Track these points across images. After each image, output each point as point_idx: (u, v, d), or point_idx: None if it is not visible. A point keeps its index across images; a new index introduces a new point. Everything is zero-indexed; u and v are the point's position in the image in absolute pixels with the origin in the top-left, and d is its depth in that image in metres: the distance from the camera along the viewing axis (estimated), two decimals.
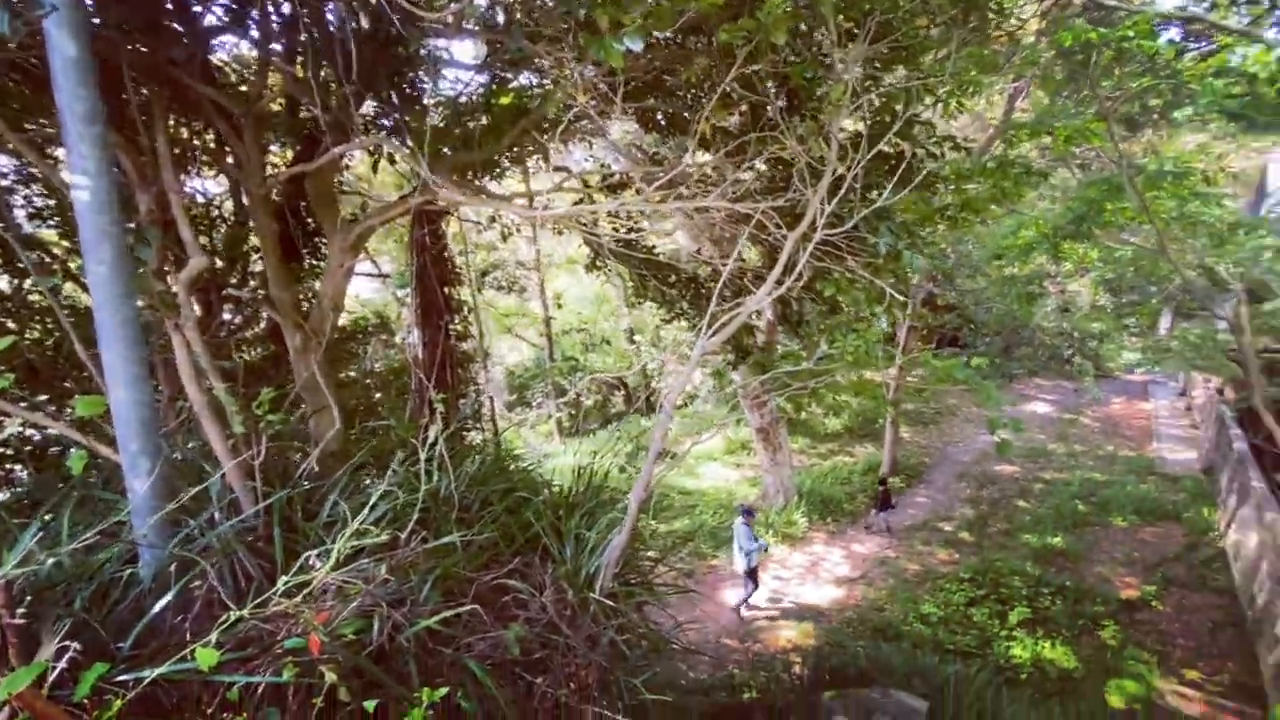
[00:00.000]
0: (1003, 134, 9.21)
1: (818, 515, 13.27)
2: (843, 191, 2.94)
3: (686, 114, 4.07)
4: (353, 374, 6.53)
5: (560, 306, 22.35)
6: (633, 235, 4.95)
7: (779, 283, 3.06)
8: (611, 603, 3.25)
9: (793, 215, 3.24)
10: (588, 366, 23.91)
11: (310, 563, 2.09)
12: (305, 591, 1.99)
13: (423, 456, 3.04)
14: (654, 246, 5.34)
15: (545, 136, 4.36)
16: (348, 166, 5.30)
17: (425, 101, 3.96)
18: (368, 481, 3.38)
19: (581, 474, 4.56)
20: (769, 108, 3.05)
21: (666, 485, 15.14)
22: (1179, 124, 11.83)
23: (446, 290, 4.88)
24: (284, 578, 1.89)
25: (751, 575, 9.88)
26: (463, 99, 4.51)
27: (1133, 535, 12.16)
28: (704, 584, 11.15)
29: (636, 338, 21.30)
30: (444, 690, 1.98)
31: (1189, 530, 12.11)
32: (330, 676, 1.91)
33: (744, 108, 3.78)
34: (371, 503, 2.73)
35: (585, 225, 4.74)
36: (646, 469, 3.45)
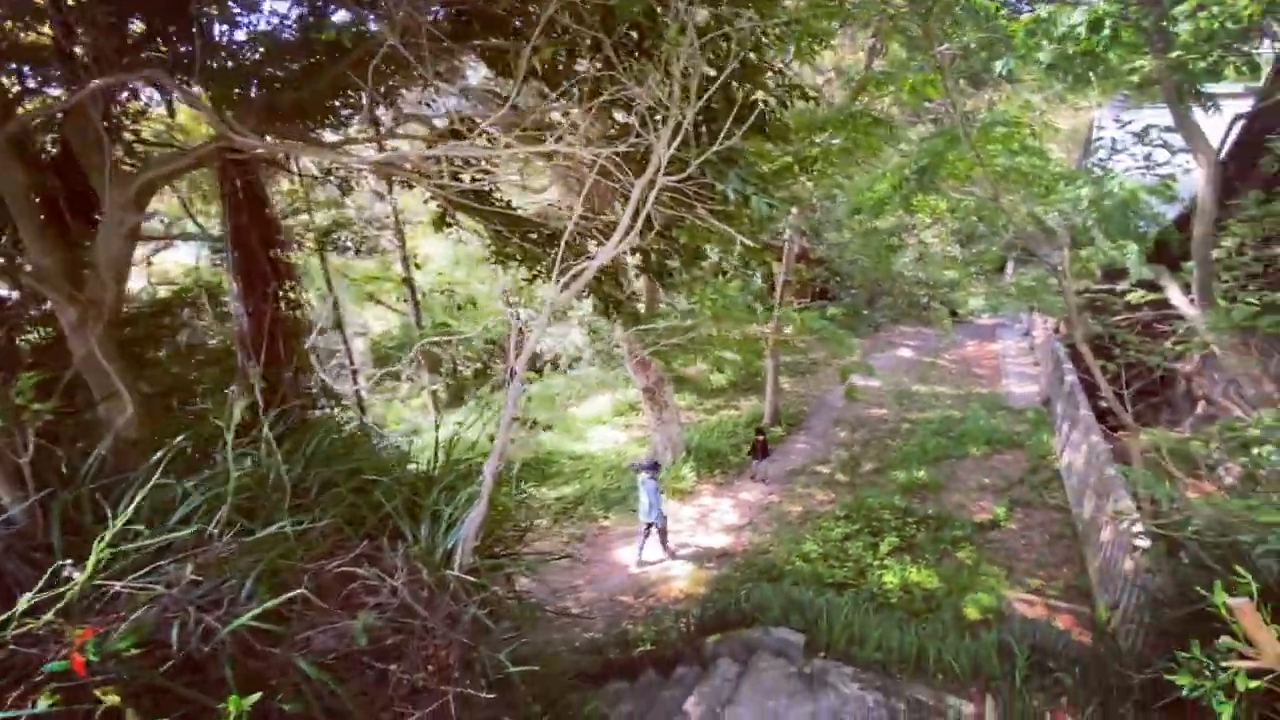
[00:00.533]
0: (861, 89, 9.65)
1: (705, 469, 13.73)
2: (681, 135, 2.87)
3: (535, 61, 3.83)
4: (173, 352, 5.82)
5: (419, 268, 21.31)
6: (484, 187, 4.66)
7: (628, 231, 2.97)
8: (473, 578, 3.11)
9: (642, 162, 3.14)
10: (460, 332, 23.11)
11: (66, 572, 1.78)
12: (60, 605, 1.69)
13: (230, 440, 2.71)
14: (510, 201, 5.08)
15: (379, 80, 3.96)
16: (143, 112, 4.57)
17: (222, 35, 3.45)
18: (176, 475, 2.98)
19: (443, 447, 4.32)
20: (607, 47, 2.90)
21: (556, 450, 15.07)
22: (1018, 82, 12.94)
23: (272, 253, 4.37)
24: (27, 595, 1.59)
25: (650, 529, 10.29)
26: (279, 34, 4.00)
27: (985, 464, 13.56)
28: (596, 545, 11.28)
29: (513, 299, 20.77)
30: (255, 696, 1.77)
31: (1031, 456, 13.68)
32: (110, 699, 1.65)
33: (590, 50, 3.61)
34: (181, 496, 2.41)
35: (431, 177, 4.40)
36: (500, 439, 3.30)
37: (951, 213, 8.74)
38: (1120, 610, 8.03)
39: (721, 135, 2.85)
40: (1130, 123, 7.52)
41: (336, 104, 4.43)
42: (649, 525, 10.26)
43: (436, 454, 4.44)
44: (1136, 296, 8.00)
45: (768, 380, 15.80)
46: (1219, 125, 9.13)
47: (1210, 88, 6.42)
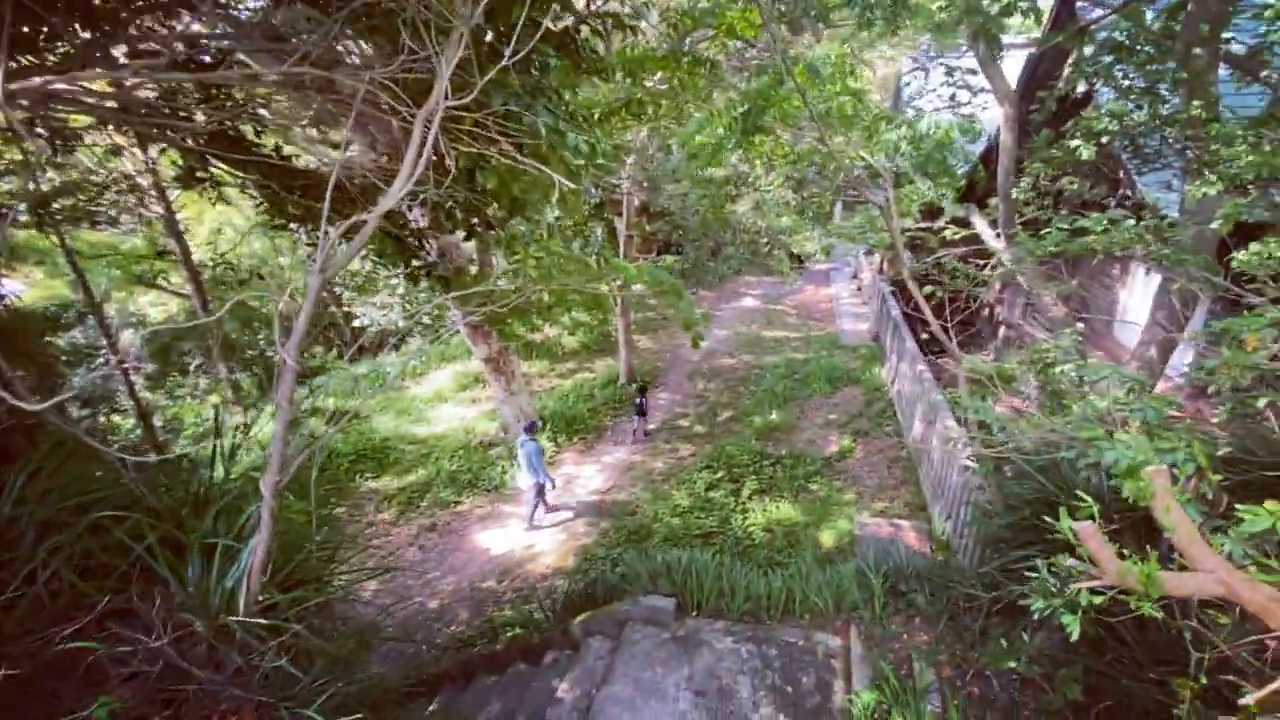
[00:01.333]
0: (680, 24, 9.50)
1: (565, 436, 13.47)
2: (469, 54, 2.43)
3: None
4: None
5: (208, 243, 18.76)
6: (243, 132, 3.84)
7: (413, 172, 2.48)
8: (265, 620, 2.56)
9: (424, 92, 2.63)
10: (263, 313, 20.75)
11: None
12: None
13: None
14: (282, 150, 4.26)
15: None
16: None
17: None
18: None
19: (224, 458, 3.59)
20: None
21: (394, 436, 14.03)
22: (834, 27, 13.53)
23: None
24: None
25: (539, 490, 10.27)
26: None
27: (829, 401, 14.56)
28: (452, 532, 10.67)
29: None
30: None
31: (867, 389, 14.88)
32: None
33: None
34: None
35: (174, 121, 3.51)
36: (276, 445, 2.72)
37: (784, 158, 8.94)
38: (952, 521, 8.99)
39: (517, 54, 2.41)
40: (938, 62, 8.03)
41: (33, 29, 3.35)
42: (540, 486, 10.23)
43: (214, 468, 3.68)
44: (951, 233, 8.70)
45: (620, 339, 15.73)
46: (1017, 69, 10.00)
47: (1007, 39, 6.98)
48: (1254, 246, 3.90)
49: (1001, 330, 16.66)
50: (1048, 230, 6.40)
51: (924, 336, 12.92)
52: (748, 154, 7.69)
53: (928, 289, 7.35)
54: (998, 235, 8.30)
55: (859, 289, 23.84)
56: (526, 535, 10.34)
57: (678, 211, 16.66)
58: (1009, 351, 15.71)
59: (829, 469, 11.54)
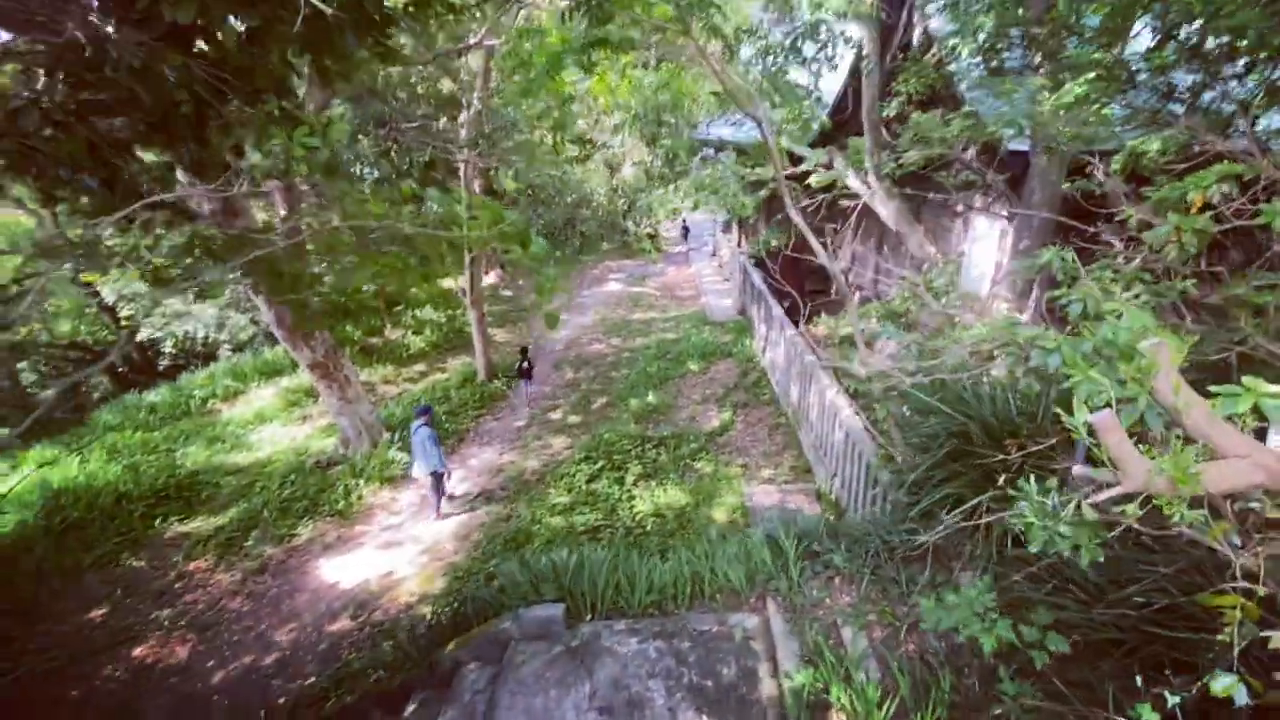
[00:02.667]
0: None
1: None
2: None
3: None
4: None
5: None
6: None
7: None
8: None
9: None
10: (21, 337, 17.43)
11: None
12: None
13: None
14: None
15: None
16: None
17: None
18: None
19: None
20: None
21: (206, 468, 12.09)
22: None
23: None
24: None
25: (437, 478, 9.90)
26: None
27: (704, 377, 14.44)
28: (288, 570, 9.23)
29: (110, 289, 16.08)
30: None
31: (740, 362, 14.95)
32: None
33: None
34: None
35: None
36: None
37: (635, 100, 8.48)
38: (839, 478, 9.03)
39: None
40: None
41: None
42: (438, 475, 9.88)
43: None
44: (817, 180, 8.65)
45: (475, 334, 14.67)
46: None
47: None
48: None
49: (856, 295, 17.52)
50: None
51: (785, 305, 13.21)
52: (592, 92, 7.08)
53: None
54: (863, 180, 8.35)
55: (720, 266, 24.26)
56: (382, 561, 9.15)
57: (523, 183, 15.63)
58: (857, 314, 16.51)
59: (712, 444, 11.33)
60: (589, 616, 4.42)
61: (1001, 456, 3.26)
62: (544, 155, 14.05)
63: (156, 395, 15.48)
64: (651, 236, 24.19)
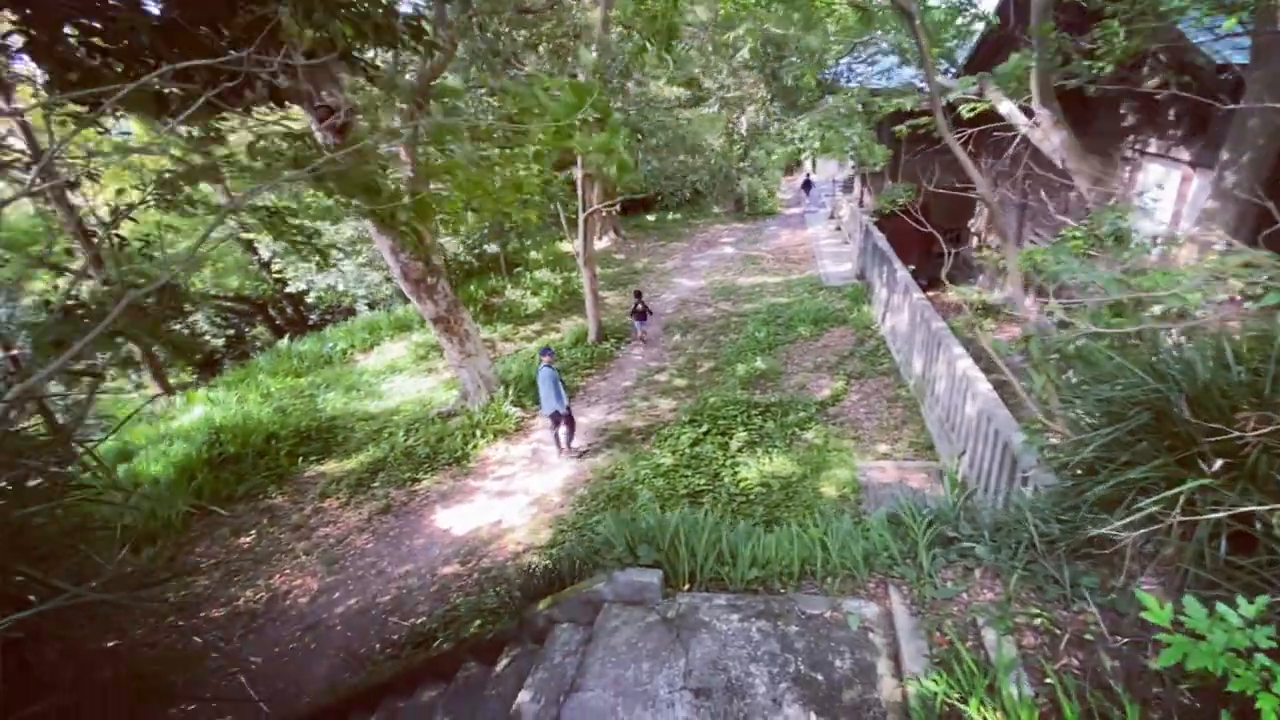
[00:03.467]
0: None
1: (532, 400, 12.28)
2: None
3: None
4: None
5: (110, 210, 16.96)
6: None
7: None
8: None
9: None
10: (195, 289, 19.08)
11: None
12: None
13: None
14: None
15: None
16: None
17: None
18: None
19: None
20: None
21: (342, 415, 12.73)
22: None
23: None
24: None
25: (557, 419, 10.03)
26: None
27: (816, 344, 13.55)
28: (409, 513, 9.50)
29: (265, 247, 17.20)
30: None
31: (856, 329, 13.90)
32: None
33: None
34: None
35: None
36: None
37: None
38: (967, 456, 8.06)
39: None
40: None
41: None
42: (557, 415, 9.98)
43: None
44: (968, 110, 7.52)
45: (587, 295, 14.50)
46: None
47: None
48: None
49: (1014, 243, 15.80)
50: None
51: (910, 268, 11.99)
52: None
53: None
54: (1023, 109, 7.11)
55: (838, 228, 22.80)
56: (493, 510, 9.22)
57: (655, 162, 14.89)
58: (1002, 280, 14.81)
59: (823, 414, 10.56)
60: (687, 586, 4.00)
61: (1219, 436, 2.47)
62: (659, 104, 13.26)
63: (305, 345, 16.56)
64: (768, 196, 23.05)
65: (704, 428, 10.32)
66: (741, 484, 8.74)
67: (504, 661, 4.09)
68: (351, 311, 19.26)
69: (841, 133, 11.48)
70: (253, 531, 9.53)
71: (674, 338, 15.09)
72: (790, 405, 10.72)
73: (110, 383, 19.52)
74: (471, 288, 18.62)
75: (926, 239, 16.78)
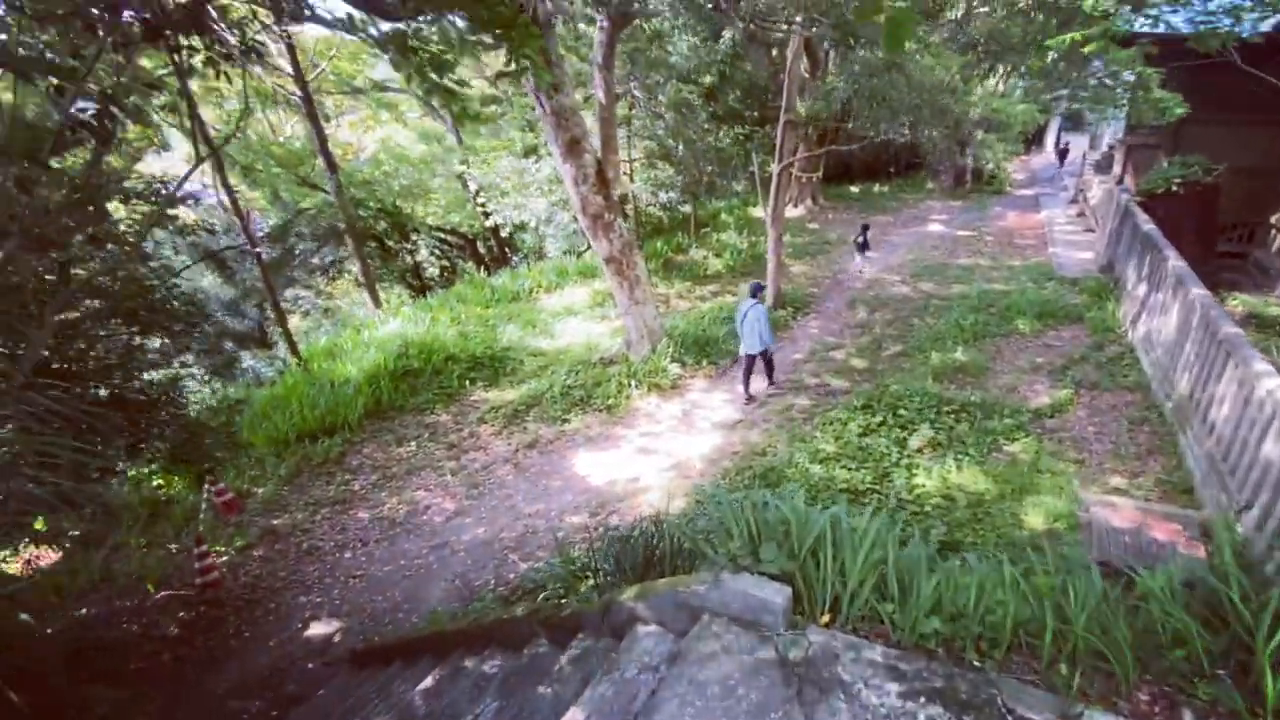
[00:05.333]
0: None
1: (693, 359, 11.23)
2: None
3: None
4: None
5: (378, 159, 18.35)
6: None
7: None
8: None
9: None
10: (418, 218, 20.26)
11: None
12: None
13: None
14: None
15: None
16: None
17: None
18: None
19: None
20: None
21: (515, 346, 12.63)
22: None
23: None
24: None
25: (767, 358, 9.71)
26: None
27: (1037, 341, 10.90)
28: (551, 453, 8.98)
29: (472, 180, 17.74)
30: None
31: (1094, 330, 10.97)
32: None
33: None
34: None
35: None
36: None
37: None
38: (1258, 512, 5.63)
39: None
40: None
41: None
42: (751, 357, 9.48)
43: None
44: None
45: (770, 254, 13.01)
46: None
47: None
48: None
49: None
50: None
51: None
52: None
53: None
54: None
55: (1080, 214, 18.69)
56: (632, 466, 8.37)
57: (885, 129, 11.99)
58: None
59: (1036, 425, 8.26)
60: (826, 619, 2.70)
61: None
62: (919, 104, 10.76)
63: (499, 279, 16.94)
64: (999, 170, 19.57)
65: (879, 417, 8.57)
66: (916, 491, 6.98)
67: (573, 651, 3.11)
68: (540, 254, 19.54)
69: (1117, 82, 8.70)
70: (413, 443, 9.62)
71: (859, 314, 13.11)
72: (993, 408, 8.55)
73: (343, 297, 21.76)
74: (657, 244, 17.88)
75: (1207, 231, 12.92)
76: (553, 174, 15.73)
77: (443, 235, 22.17)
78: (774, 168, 11.21)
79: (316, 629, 6.08)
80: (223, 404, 9.66)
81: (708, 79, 15.90)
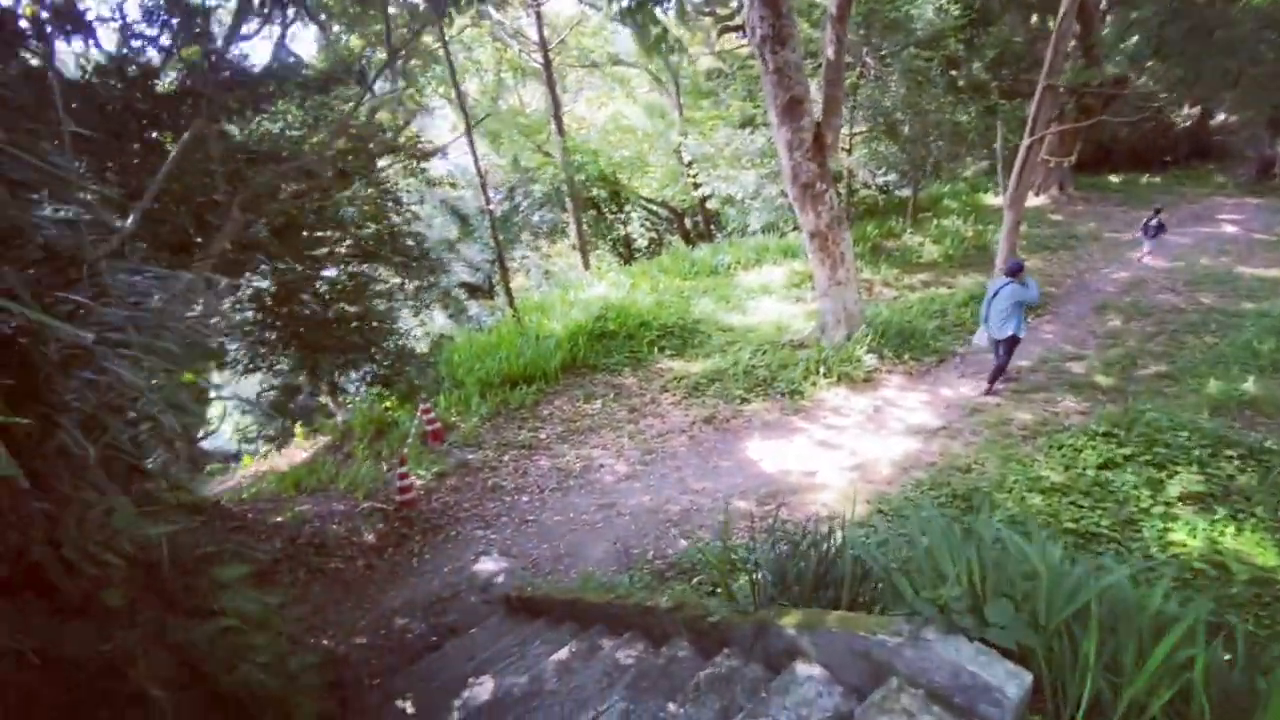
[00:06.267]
0: None
1: (893, 352, 10.04)
2: None
3: None
4: None
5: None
6: None
7: None
8: None
9: None
10: (633, 189, 20.52)
11: None
12: None
13: None
14: None
15: None
16: None
17: None
18: None
19: None
20: None
21: (707, 320, 12.31)
22: None
23: None
24: None
25: (1009, 347, 8.31)
26: None
27: None
28: (726, 431, 8.57)
29: (687, 151, 17.49)
30: None
31: None
32: None
33: None
34: None
35: None
36: None
37: None
38: None
39: None
40: None
41: None
42: (999, 343, 8.32)
43: None
44: None
45: (1003, 241, 11.11)
46: None
47: None
48: None
49: None
50: None
51: None
52: None
53: None
54: None
55: None
56: (810, 458, 7.67)
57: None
58: None
59: None
60: None
61: None
62: None
63: (700, 253, 16.70)
64: None
65: (1126, 449, 6.88)
66: (1173, 550, 5.45)
67: (716, 669, 2.69)
68: (742, 231, 18.91)
69: None
70: (599, 401, 9.79)
71: (1109, 321, 10.79)
72: None
73: (561, 260, 23.07)
74: (868, 227, 16.35)
75: None
76: (766, 146, 14.96)
77: (654, 208, 22.48)
78: (1024, 141, 9.41)
79: (485, 564, 6.37)
80: (435, 341, 10.55)
81: (951, 44, 13.90)
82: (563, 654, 3.38)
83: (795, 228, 17.30)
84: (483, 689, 3.40)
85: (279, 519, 6.79)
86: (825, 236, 9.23)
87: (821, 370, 9.50)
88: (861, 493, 6.79)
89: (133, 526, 2.16)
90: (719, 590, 3.49)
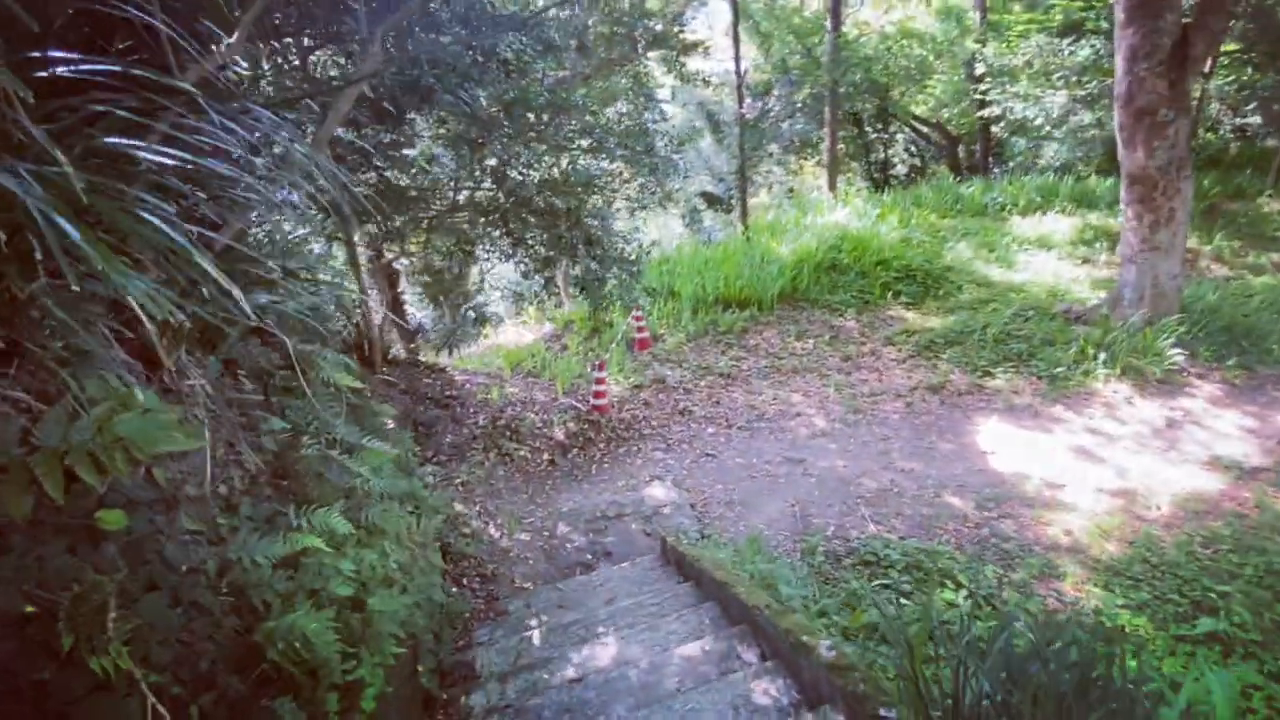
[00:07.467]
0: None
1: (1212, 351, 7.48)
2: None
3: None
4: None
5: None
6: None
7: None
8: None
9: None
10: (906, 106, 17.55)
11: None
12: None
13: None
14: None
15: None
16: None
17: None
18: None
19: None
20: None
21: (960, 269, 10.38)
22: None
23: None
24: None
25: None
26: None
27: None
28: (955, 409, 7.24)
29: (982, 62, 14.21)
30: None
31: None
32: None
33: None
34: None
35: None
36: None
37: None
38: None
39: None
40: None
41: None
42: None
43: None
44: None
45: None
46: None
47: None
48: None
49: None
50: None
51: None
52: None
53: None
54: None
55: None
56: (1059, 465, 6.13)
57: None
58: None
59: None
60: None
61: None
62: None
63: (970, 188, 14.00)
64: None
65: None
66: None
67: None
68: (1032, 171, 15.32)
69: None
70: (811, 340, 8.94)
71: None
72: None
73: (809, 178, 21.23)
74: (1204, 181, 12.12)
75: None
76: (1091, 59, 11.50)
77: (925, 130, 19.24)
78: None
79: (656, 490, 6.22)
80: (639, 248, 10.32)
81: None
82: (693, 649, 3.05)
83: (1101, 170, 13.53)
84: (605, 651, 3.24)
85: (488, 396, 7.32)
86: (1154, 183, 6.84)
87: (1101, 356, 7.44)
88: (1121, 529, 5.25)
89: None
90: (901, 665, 2.64)
